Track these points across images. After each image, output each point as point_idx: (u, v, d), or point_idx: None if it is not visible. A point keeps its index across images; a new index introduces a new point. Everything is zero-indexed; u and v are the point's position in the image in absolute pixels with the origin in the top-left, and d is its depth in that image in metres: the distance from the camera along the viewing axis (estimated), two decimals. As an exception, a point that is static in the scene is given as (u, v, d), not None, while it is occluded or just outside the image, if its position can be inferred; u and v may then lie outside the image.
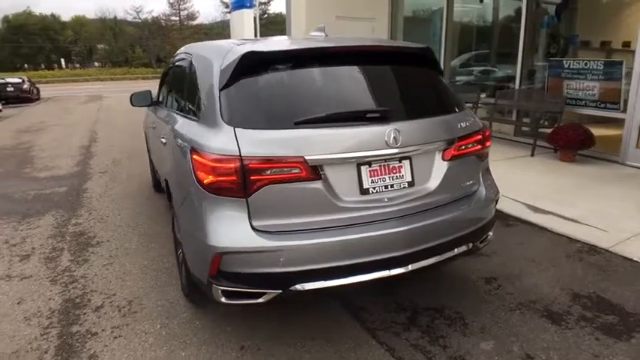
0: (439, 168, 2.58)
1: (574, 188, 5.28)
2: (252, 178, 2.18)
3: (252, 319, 2.88)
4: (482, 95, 8.49)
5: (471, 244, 2.73)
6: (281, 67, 2.43)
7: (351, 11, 10.31)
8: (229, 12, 15.29)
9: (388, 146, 2.35)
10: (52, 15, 69.05)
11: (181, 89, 3.31)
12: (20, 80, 20.64)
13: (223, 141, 2.22)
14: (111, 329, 2.84)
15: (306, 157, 2.21)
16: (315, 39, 2.91)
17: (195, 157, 2.33)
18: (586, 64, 6.56)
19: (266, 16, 59.63)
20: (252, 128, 2.25)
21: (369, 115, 2.38)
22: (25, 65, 59.35)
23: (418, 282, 3.28)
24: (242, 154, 2.17)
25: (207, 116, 2.46)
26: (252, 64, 2.39)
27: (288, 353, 2.57)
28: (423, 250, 2.46)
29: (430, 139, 2.52)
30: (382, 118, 2.38)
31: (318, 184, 2.26)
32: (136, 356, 2.58)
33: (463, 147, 2.66)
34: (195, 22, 68.33)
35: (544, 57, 8.12)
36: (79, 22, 71.34)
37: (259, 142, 2.21)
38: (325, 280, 2.29)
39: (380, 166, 2.40)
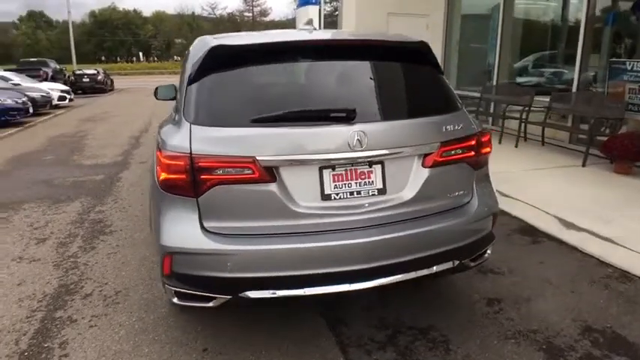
0: (418, 175, 2.35)
1: (622, 204, 4.71)
2: (201, 177, 2.10)
3: (224, 320, 2.80)
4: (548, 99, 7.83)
5: (457, 262, 2.47)
6: (248, 62, 2.32)
7: (403, 7, 9.98)
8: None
9: (351, 149, 2.16)
10: (134, 10, 73.81)
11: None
12: (95, 72, 22.19)
13: (179, 138, 2.16)
14: (90, 318, 2.89)
15: (258, 158, 2.09)
16: (290, 32, 2.74)
17: (157, 153, 2.29)
18: (652, 66, 5.85)
19: (337, 13, 59.68)
20: (209, 125, 2.17)
21: (332, 115, 2.20)
22: (103, 57, 63.86)
23: (411, 296, 3.05)
24: (192, 152, 2.09)
25: (177, 113, 2.41)
26: (218, 59, 2.30)
27: (247, 361, 2.47)
28: (391, 265, 2.25)
29: (406, 143, 2.29)
30: (347, 119, 2.19)
31: (272, 187, 2.13)
32: (102, 347, 2.60)
33: (450, 153, 2.40)
34: (267, 19, 70.12)
35: (607, 58, 7.37)
36: (159, 18, 75.66)
37: (211, 140, 2.12)
38: (278, 289, 2.16)
39: (346, 170, 2.22)
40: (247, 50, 2.37)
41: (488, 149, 2.61)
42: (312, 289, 2.17)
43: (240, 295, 2.16)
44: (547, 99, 7.33)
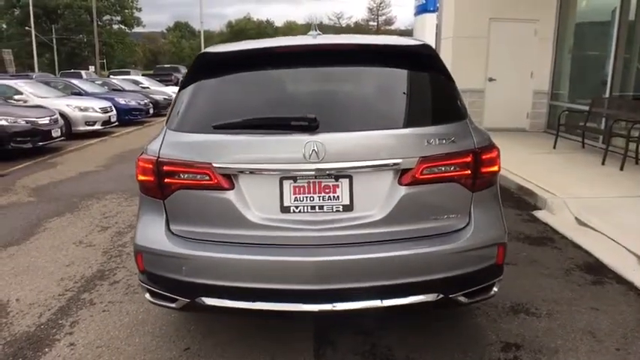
0: (392, 193, 2.13)
1: None
2: (166, 180, 2.16)
3: (219, 324, 2.84)
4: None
5: (441, 295, 2.19)
6: (230, 69, 2.33)
7: (508, 12, 9.28)
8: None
9: (306, 160, 2.04)
10: (267, 21, 78.97)
11: None
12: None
13: (155, 144, 2.26)
14: (107, 303, 3.14)
15: (214, 165, 2.09)
16: (283, 39, 2.64)
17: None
18: None
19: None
20: (180, 131, 2.22)
21: (292, 123, 2.09)
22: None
23: (417, 325, 2.81)
24: (160, 156, 2.17)
25: None
26: (204, 66, 2.36)
27: (218, 367, 2.47)
28: (351, 290, 2.08)
29: (377, 156, 2.09)
30: (308, 128, 2.06)
31: (229, 195, 2.11)
32: (102, 331, 2.81)
33: (435, 170, 2.13)
34: (392, 27, 70.13)
35: None
36: (290, 28, 79.85)
37: (177, 145, 2.18)
38: (230, 300, 2.14)
39: (308, 182, 2.11)
40: (228, 57, 2.39)
41: (492, 168, 2.26)
42: (262, 304, 2.11)
43: (196, 300, 2.17)
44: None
